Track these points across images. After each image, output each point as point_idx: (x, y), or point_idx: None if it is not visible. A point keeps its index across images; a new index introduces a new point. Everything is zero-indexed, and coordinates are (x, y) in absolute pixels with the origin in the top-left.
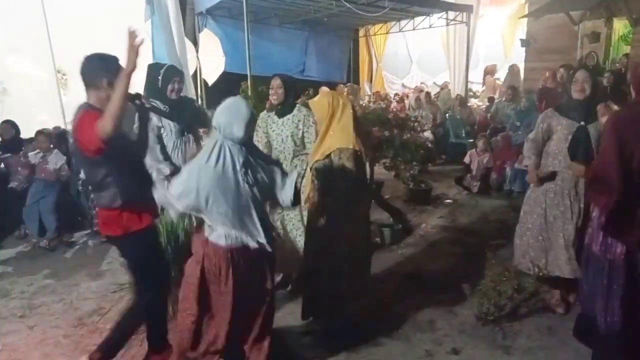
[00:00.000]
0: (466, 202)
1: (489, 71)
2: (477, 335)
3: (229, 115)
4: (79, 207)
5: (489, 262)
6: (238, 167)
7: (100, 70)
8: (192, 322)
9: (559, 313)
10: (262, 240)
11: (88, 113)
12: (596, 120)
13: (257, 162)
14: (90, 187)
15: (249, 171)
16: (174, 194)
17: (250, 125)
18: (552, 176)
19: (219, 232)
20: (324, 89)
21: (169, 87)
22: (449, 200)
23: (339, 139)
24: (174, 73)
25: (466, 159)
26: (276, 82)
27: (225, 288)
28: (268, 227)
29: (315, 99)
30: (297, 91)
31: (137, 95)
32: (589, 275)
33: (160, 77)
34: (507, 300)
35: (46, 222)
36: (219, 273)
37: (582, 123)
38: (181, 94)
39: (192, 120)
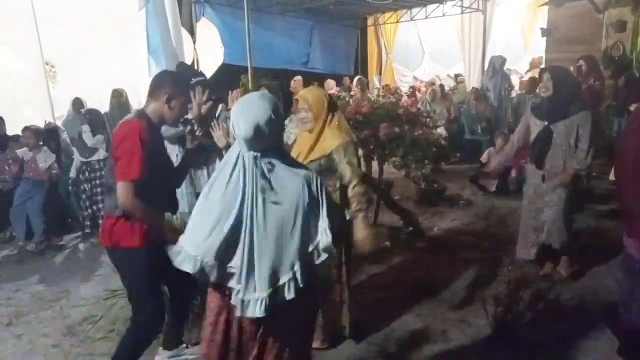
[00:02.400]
0: (482, 203)
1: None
2: (493, 346)
3: (236, 109)
4: (68, 209)
5: (506, 268)
6: (245, 182)
7: (165, 85)
8: None
9: (563, 279)
10: (255, 294)
11: (135, 130)
12: (566, 118)
13: (284, 181)
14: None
15: (262, 192)
16: (189, 242)
17: (262, 120)
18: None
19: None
20: (330, 82)
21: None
22: (463, 202)
23: (341, 134)
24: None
25: (483, 158)
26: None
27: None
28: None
29: (308, 92)
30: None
31: (189, 121)
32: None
33: None
34: (524, 308)
35: (34, 224)
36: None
37: (546, 123)
38: None
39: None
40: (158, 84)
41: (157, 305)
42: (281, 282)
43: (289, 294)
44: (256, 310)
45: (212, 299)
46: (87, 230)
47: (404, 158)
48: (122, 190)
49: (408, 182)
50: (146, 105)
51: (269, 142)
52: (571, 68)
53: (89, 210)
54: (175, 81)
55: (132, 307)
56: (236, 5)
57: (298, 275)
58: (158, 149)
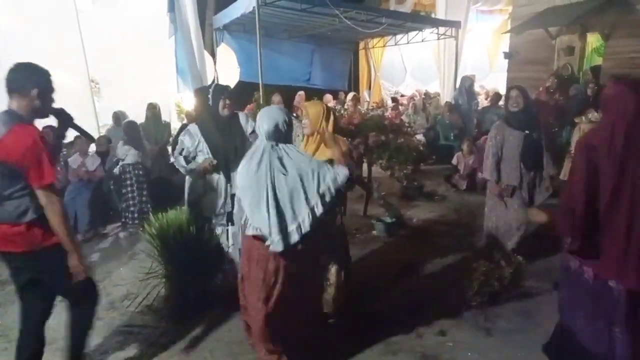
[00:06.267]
0: (454, 198)
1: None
2: (462, 319)
3: (260, 116)
4: (110, 203)
5: (474, 252)
6: (267, 164)
7: (30, 80)
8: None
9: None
10: (273, 237)
11: (36, 136)
12: (538, 128)
13: (292, 160)
14: None
15: (276, 165)
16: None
17: (280, 121)
18: (511, 190)
19: (250, 224)
20: (328, 96)
21: (220, 104)
22: (438, 197)
23: (334, 146)
24: (222, 89)
25: (454, 161)
26: (277, 98)
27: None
28: (289, 224)
29: (309, 106)
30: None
31: (61, 110)
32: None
33: (210, 96)
34: (489, 287)
35: (81, 216)
36: (258, 265)
37: (527, 132)
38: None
39: (237, 147)
40: (23, 80)
41: (94, 287)
42: (296, 223)
43: (304, 228)
44: (283, 244)
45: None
46: (123, 220)
47: (389, 161)
48: (44, 195)
49: (392, 180)
50: (10, 102)
51: (282, 137)
52: (540, 89)
53: (124, 204)
54: (40, 74)
55: (71, 300)
56: (250, 31)
57: (306, 220)
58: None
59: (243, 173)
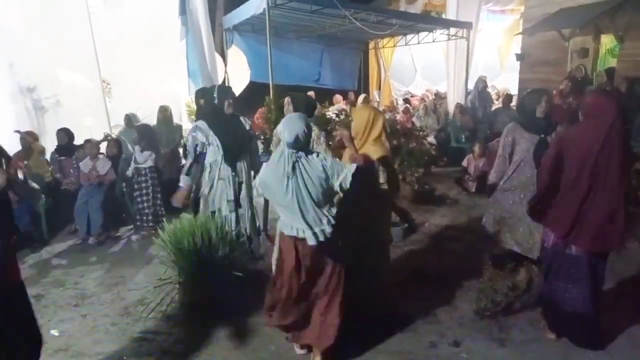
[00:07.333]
0: (466, 202)
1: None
2: (476, 329)
3: (282, 125)
4: (123, 206)
5: (486, 259)
6: (287, 169)
7: None
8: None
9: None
10: (307, 233)
11: None
12: (554, 131)
13: (310, 167)
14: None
15: (299, 173)
16: (257, 182)
17: (300, 132)
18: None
19: (283, 221)
20: (338, 96)
21: (226, 103)
22: (450, 200)
23: (376, 150)
24: (227, 90)
25: (464, 163)
26: (286, 100)
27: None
28: (319, 222)
29: (357, 111)
30: (306, 108)
31: None
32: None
33: (216, 96)
34: (502, 296)
35: (93, 219)
36: (290, 258)
37: (542, 135)
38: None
39: (241, 140)
40: None
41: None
42: (321, 225)
43: (328, 229)
44: (313, 239)
45: (285, 246)
46: (138, 223)
47: (400, 165)
48: None
49: (404, 184)
50: None
51: (302, 145)
52: (554, 92)
53: (138, 207)
54: None
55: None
56: (260, 32)
57: (329, 221)
58: None
59: (268, 173)
